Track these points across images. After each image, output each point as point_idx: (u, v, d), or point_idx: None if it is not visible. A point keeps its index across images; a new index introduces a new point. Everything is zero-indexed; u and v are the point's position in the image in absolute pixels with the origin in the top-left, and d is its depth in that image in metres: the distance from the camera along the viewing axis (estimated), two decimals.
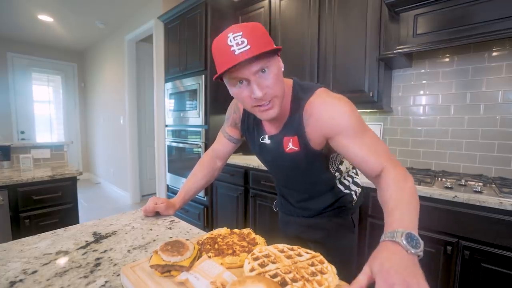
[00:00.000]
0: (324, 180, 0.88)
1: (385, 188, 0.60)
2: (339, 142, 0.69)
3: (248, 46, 0.58)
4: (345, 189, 0.92)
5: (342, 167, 0.89)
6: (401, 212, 0.52)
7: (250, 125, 0.88)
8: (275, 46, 0.63)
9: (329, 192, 0.90)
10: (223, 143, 1.02)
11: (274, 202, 1.94)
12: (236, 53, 0.59)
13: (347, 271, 0.89)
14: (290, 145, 0.76)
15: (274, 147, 0.81)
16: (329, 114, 0.69)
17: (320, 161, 0.80)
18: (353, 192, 0.93)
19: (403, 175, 0.61)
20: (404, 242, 0.44)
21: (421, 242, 0.45)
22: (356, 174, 0.99)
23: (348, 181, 0.93)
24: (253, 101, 0.65)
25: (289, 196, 0.97)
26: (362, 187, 1.00)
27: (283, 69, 0.69)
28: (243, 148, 2.55)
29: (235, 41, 0.59)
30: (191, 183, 0.98)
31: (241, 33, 0.59)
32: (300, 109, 0.73)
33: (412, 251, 0.44)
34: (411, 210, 0.53)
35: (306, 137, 0.74)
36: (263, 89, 0.63)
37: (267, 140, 0.82)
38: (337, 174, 0.88)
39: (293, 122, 0.74)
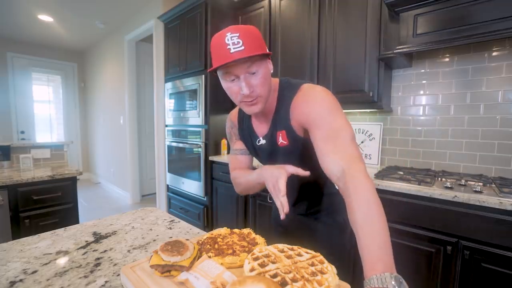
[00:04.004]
0: (316, 176, 0.85)
1: (353, 208, 0.56)
2: (311, 133, 0.71)
3: (243, 47, 0.64)
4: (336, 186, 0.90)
5: None
6: (378, 247, 0.49)
7: (245, 132, 0.92)
8: (267, 51, 0.69)
9: (320, 190, 0.91)
10: (239, 159, 0.97)
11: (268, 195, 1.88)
12: (231, 51, 0.64)
13: (342, 275, 0.89)
14: (281, 139, 0.80)
15: (268, 145, 0.85)
16: (305, 103, 0.73)
17: (310, 154, 0.79)
18: None
19: (365, 184, 0.57)
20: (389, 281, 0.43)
21: (405, 283, 0.45)
22: None
23: None
24: (241, 96, 0.71)
25: None
26: None
27: (272, 71, 0.75)
28: None
29: (232, 40, 0.64)
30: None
31: (238, 34, 0.65)
32: (286, 105, 0.77)
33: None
34: (385, 238, 0.50)
35: (292, 129, 0.77)
36: (250, 88, 0.69)
37: (262, 141, 0.86)
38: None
39: (280, 118, 0.79)
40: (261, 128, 0.86)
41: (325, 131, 0.67)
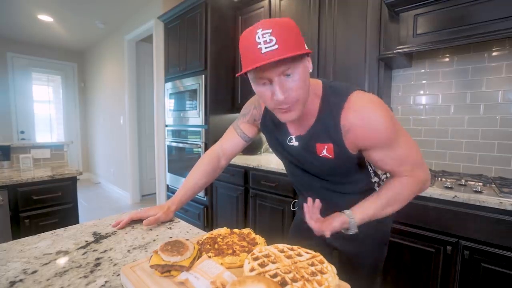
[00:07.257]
0: (359, 182, 0.83)
1: (385, 185, 0.74)
2: (371, 154, 0.72)
3: (276, 46, 0.55)
4: None
5: (379, 170, 0.85)
6: (375, 206, 0.72)
7: (272, 122, 0.84)
8: (305, 49, 0.60)
9: (364, 195, 0.82)
10: (234, 140, 0.94)
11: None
12: (263, 51, 0.56)
13: (373, 285, 0.87)
14: (324, 152, 0.74)
15: (303, 150, 0.78)
16: (367, 129, 0.67)
17: (355, 164, 0.77)
18: None
19: (412, 182, 0.72)
20: (352, 224, 0.70)
21: (356, 231, 0.71)
22: None
23: None
24: (274, 102, 0.63)
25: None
26: None
27: (311, 70, 0.66)
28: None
29: (264, 38, 0.56)
30: (190, 184, 0.92)
31: (270, 30, 0.56)
32: (334, 115, 0.69)
33: (348, 232, 0.71)
34: (380, 211, 0.72)
35: (345, 148, 0.71)
36: (285, 92, 0.60)
37: (294, 142, 0.79)
38: (375, 178, 0.85)
39: (326, 128, 0.71)
40: (295, 128, 0.78)
41: (394, 155, 0.70)
